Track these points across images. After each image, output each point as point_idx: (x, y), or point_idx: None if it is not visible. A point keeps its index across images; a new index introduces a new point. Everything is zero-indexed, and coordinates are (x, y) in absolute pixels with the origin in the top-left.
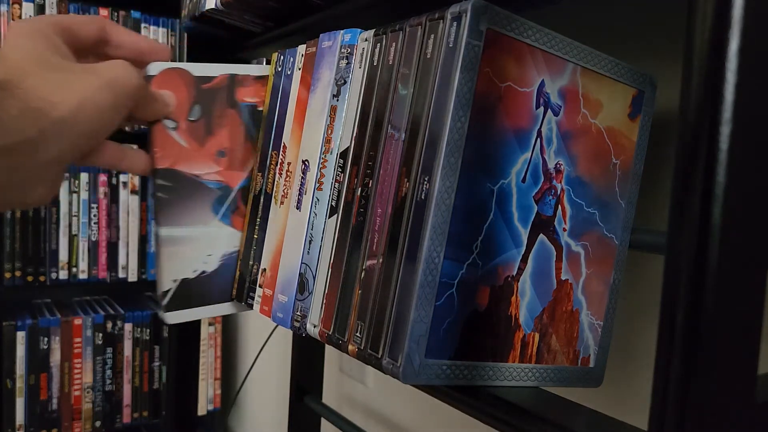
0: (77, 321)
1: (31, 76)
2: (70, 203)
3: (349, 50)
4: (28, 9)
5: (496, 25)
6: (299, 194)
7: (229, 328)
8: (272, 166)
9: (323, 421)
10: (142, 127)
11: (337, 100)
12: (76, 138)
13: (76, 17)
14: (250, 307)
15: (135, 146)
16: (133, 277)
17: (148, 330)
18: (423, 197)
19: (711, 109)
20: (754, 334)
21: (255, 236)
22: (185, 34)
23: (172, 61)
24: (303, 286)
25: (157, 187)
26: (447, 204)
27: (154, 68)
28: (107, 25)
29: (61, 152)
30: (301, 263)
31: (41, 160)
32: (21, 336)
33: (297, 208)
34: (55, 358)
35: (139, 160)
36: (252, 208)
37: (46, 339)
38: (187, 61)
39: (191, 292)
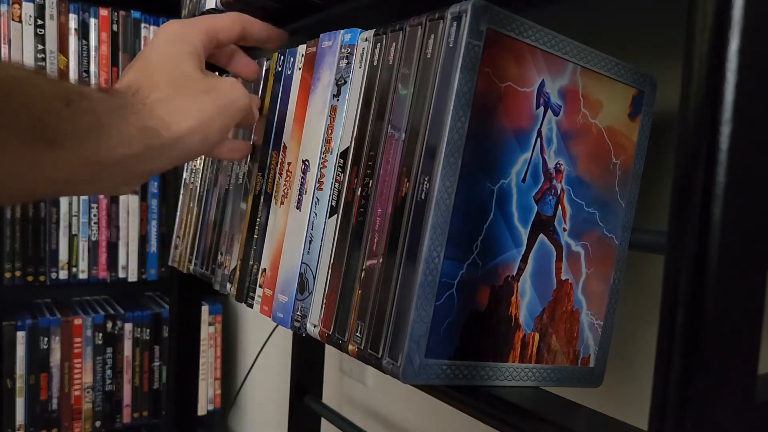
0: (77, 321)
1: (158, 91)
2: (70, 203)
3: (349, 50)
4: (28, 9)
5: (496, 25)
6: (299, 194)
7: (229, 328)
8: (272, 166)
9: (323, 421)
10: None
11: (338, 100)
12: (177, 156)
13: (221, 21)
14: (251, 306)
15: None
16: (133, 277)
17: (148, 330)
18: (423, 197)
19: (711, 109)
20: (754, 334)
21: (255, 236)
22: None
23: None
24: (303, 286)
25: None
26: (447, 204)
27: None
28: (246, 24)
29: (157, 167)
30: (301, 263)
31: (136, 171)
32: (21, 336)
33: (297, 208)
34: (55, 358)
35: (239, 149)
36: (252, 208)
37: (46, 339)
38: None
39: None
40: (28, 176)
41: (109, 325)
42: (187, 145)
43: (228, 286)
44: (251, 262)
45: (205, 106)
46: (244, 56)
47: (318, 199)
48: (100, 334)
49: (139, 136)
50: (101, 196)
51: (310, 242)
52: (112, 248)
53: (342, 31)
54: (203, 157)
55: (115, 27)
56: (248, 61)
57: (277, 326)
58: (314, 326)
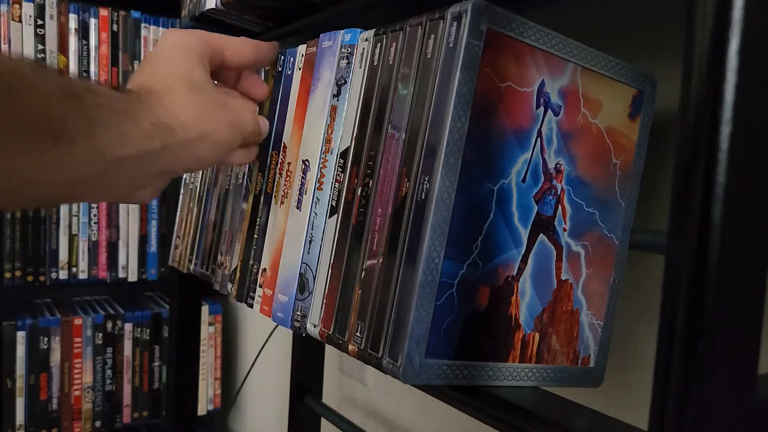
0: (77, 321)
1: (172, 91)
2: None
3: (349, 50)
4: (28, 9)
5: (497, 25)
6: (299, 194)
7: (229, 328)
8: (272, 166)
9: (323, 421)
10: None
11: (338, 100)
12: (188, 160)
13: (231, 41)
14: (251, 306)
15: None
16: (133, 277)
17: (148, 330)
18: (423, 197)
19: (711, 109)
20: (754, 334)
21: (255, 236)
22: None
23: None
24: (303, 286)
25: None
26: (447, 204)
27: None
28: (259, 50)
29: (173, 167)
30: (302, 263)
31: (154, 170)
32: (21, 336)
33: (297, 208)
34: (55, 358)
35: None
36: (252, 208)
37: (46, 339)
38: None
39: None
40: (34, 173)
41: (109, 325)
42: (200, 151)
43: (228, 286)
44: (251, 262)
45: (217, 117)
46: (253, 75)
47: (318, 199)
48: (100, 334)
49: (155, 132)
50: None
51: (310, 242)
52: (112, 248)
53: (342, 31)
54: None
55: (115, 27)
56: (257, 81)
57: (277, 326)
58: (314, 326)
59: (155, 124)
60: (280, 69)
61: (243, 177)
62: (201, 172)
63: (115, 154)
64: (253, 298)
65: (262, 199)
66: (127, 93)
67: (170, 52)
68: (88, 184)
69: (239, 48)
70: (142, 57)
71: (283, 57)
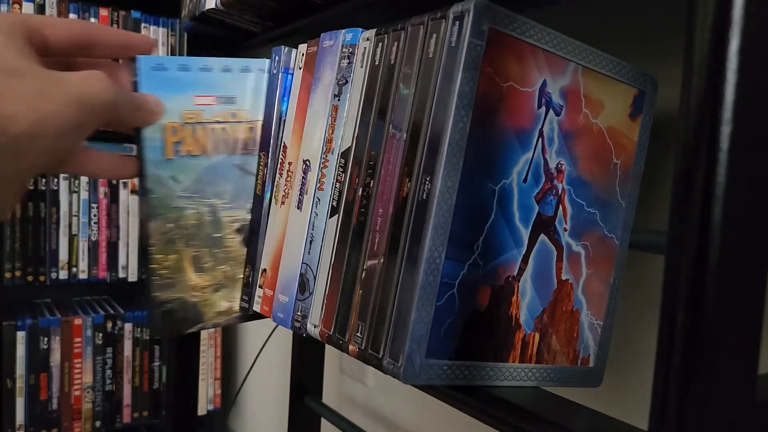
0: (77, 321)
1: None
2: (70, 203)
3: (350, 50)
4: (28, 9)
5: (498, 25)
6: (300, 194)
7: (229, 328)
8: (260, 169)
9: (323, 421)
10: None
11: (339, 100)
12: (34, 156)
13: (50, 18)
14: (246, 311)
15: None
16: (133, 277)
17: (148, 330)
18: (424, 197)
19: (711, 109)
20: (754, 334)
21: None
22: (185, 34)
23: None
24: (303, 286)
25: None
26: (448, 204)
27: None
28: (89, 25)
29: (17, 171)
30: (302, 263)
31: None
32: (21, 336)
33: (298, 208)
34: (55, 358)
35: (123, 166)
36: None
37: (46, 339)
38: None
39: None
40: None
41: (109, 325)
42: (40, 142)
43: None
44: (244, 268)
45: (52, 93)
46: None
47: (319, 199)
48: (100, 334)
49: None
50: (101, 195)
51: (310, 242)
52: (112, 248)
53: (343, 31)
54: None
55: (115, 27)
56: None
57: (277, 326)
58: (315, 326)
59: None
60: (275, 71)
61: None
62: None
63: None
64: (248, 303)
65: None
66: None
67: None
68: None
69: (60, 23)
70: None
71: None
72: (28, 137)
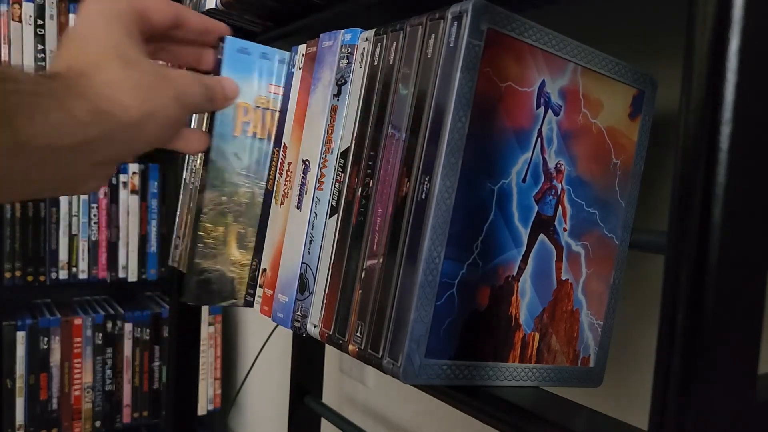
0: (77, 321)
1: (104, 70)
2: (70, 203)
3: (349, 50)
4: (28, 9)
5: (497, 25)
6: (300, 194)
7: (229, 328)
8: (272, 165)
9: (323, 421)
10: None
11: (338, 100)
12: (136, 144)
13: (151, 2)
14: (250, 305)
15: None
16: (133, 277)
17: (148, 330)
18: (423, 197)
19: (711, 109)
20: (754, 334)
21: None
22: None
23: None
24: (303, 286)
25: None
26: (447, 204)
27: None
28: (180, 8)
29: (118, 154)
30: (302, 263)
31: (95, 159)
32: (21, 336)
33: (297, 208)
34: (55, 358)
35: (197, 140)
36: None
37: (46, 339)
38: None
39: None
40: None
41: (109, 325)
42: (145, 132)
43: None
44: (252, 262)
45: (160, 92)
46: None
47: (318, 199)
48: (100, 334)
49: (92, 120)
50: (101, 195)
51: (310, 242)
52: (112, 248)
53: (342, 31)
54: (202, 155)
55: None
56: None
57: (277, 326)
58: (314, 326)
59: (91, 111)
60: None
61: None
62: (201, 172)
63: (44, 146)
64: (253, 298)
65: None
66: (53, 77)
67: (95, 24)
68: (20, 183)
69: (160, 8)
70: None
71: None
72: (137, 127)
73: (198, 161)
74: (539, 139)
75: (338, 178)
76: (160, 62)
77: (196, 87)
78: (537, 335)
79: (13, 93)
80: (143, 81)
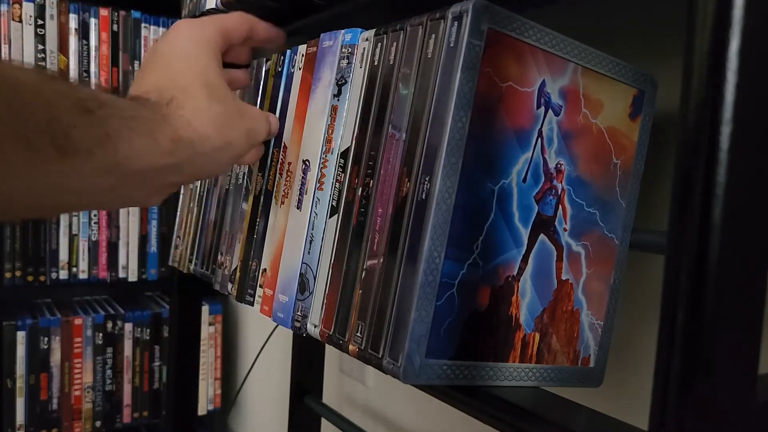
0: (77, 321)
1: (193, 99)
2: None
3: (349, 50)
4: (28, 9)
5: (497, 25)
6: (300, 194)
7: (229, 328)
8: (273, 165)
9: (323, 421)
10: None
11: (338, 100)
12: (206, 169)
13: (231, 21)
14: (251, 305)
15: None
16: (133, 277)
17: (148, 330)
18: (424, 197)
19: (711, 109)
20: (754, 334)
21: (255, 236)
22: None
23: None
24: (303, 286)
25: None
26: (448, 204)
27: None
28: (252, 23)
29: (190, 176)
30: (302, 263)
31: (171, 181)
32: (21, 336)
33: (297, 208)
34: (55, 358)
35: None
36: (252, 208)
37: (46, 339)
38: None
39: None
40: (38, 185)
41: (109, 325)
42: (218, 161)
43: (228, 286)
44: (251, 262)
45: (237, 128)
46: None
47: (318, 199)
48: (100, 334)
49: (174, 148)
50: None
51: (310, 242)
52: (112, 248)
53: (342, 31)
54: None
55: (115, 27)
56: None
57: (277, 326)
58: (315, 326)
59: (175, 140)
60: (280, 69)
61: (243, 177)
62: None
63: (133, 168)
64: (253, 298)
65: (262, 199)
66: (144, 103)
67: (183, 50)
68: (101, 196)
69: (238, 26)
70: (142, 57)
71: (282, 57)
72: (211, 156)
73: None
74: (539, 139)
75: (338, 178)
76: None
77: (263, 123)
78: (537, 335)
79: (111, 117)
80: (223, 114)
